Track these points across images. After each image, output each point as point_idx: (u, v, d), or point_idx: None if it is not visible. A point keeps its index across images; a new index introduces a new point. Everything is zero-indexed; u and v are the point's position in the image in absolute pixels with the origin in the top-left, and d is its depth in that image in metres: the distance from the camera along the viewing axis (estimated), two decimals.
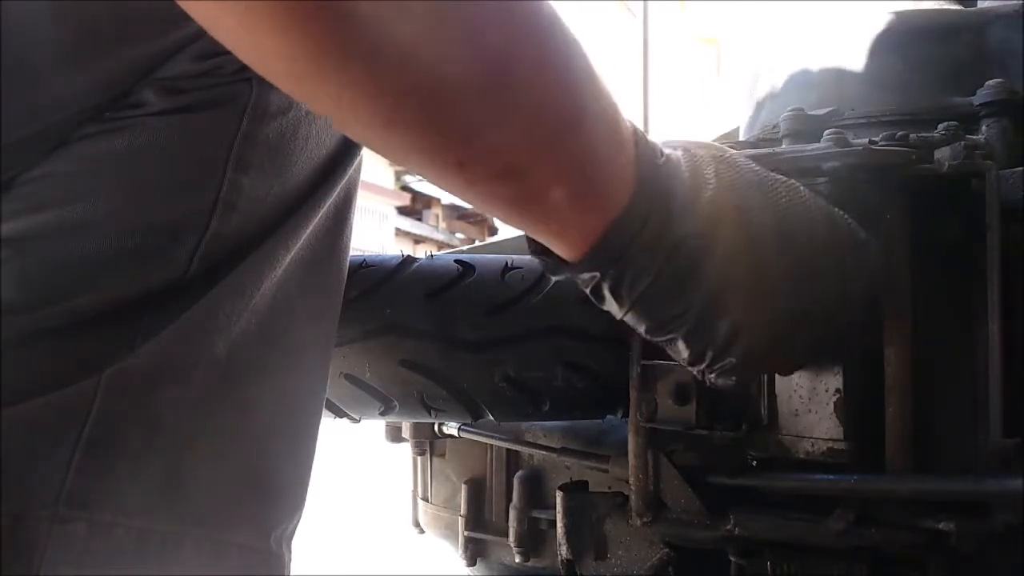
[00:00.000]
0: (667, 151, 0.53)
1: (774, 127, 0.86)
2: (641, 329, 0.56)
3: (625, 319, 0.55)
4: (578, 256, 0.52)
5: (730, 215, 0.53)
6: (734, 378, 0.58)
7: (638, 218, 0.50)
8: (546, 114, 0.45)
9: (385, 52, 0.39)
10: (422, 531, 1.17)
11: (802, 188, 0.59)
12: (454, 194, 0.49)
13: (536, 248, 0.55)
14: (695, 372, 0.58)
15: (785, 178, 0.58)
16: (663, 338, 0.56)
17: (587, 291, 0.54)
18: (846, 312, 0.60)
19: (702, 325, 0.54)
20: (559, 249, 0.53)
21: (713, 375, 0.58)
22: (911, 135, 0.68)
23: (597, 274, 0.52)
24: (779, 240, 0.55)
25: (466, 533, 1.05)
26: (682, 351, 0.56)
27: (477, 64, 0.42)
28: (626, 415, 0.75)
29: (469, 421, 0.91)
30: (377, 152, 0.47)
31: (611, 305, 0.54)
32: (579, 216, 0.50)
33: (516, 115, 0.44)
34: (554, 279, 0.56)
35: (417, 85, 0.41)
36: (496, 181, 0.47)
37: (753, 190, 0.55)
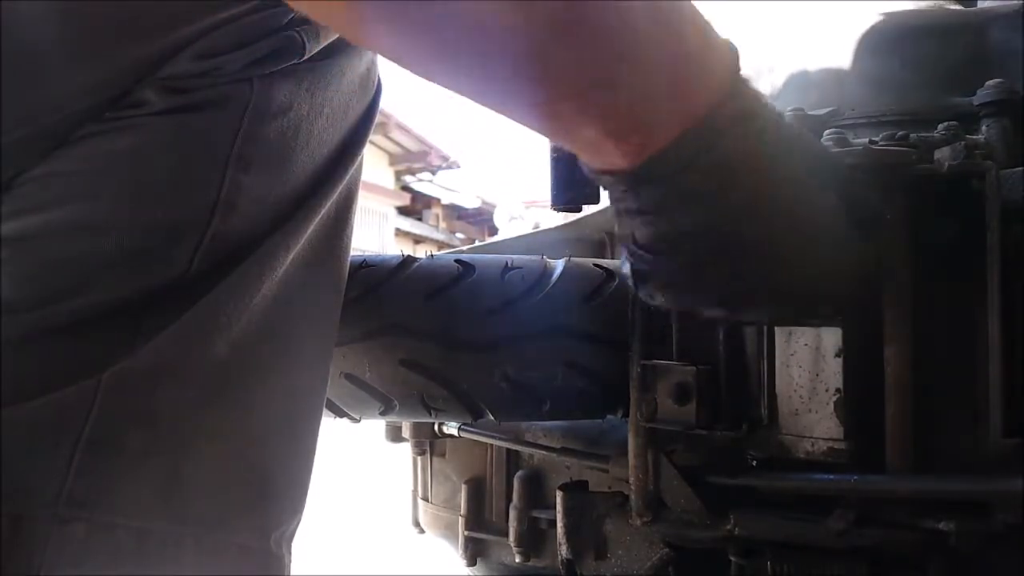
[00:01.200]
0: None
1: None
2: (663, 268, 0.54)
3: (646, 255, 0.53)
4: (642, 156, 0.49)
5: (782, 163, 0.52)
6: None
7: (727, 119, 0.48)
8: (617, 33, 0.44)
9: None
10: (422, 531, 1.17)
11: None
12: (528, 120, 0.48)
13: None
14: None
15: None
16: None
17: (621, 195, 0.52)
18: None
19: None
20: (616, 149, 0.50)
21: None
22: (911, 135, 0.68)
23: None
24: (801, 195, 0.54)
25: (466, 533, 1.05)
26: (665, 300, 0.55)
27: None
28: (626, 415, 0.75)
29: (469, 421, 0.91)
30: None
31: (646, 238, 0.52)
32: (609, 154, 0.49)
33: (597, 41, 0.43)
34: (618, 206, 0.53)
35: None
36: (529, 117, 0.47)
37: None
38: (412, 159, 16.56)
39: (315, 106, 0.59)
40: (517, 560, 0.97)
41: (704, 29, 0.49)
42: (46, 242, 0.52)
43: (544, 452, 0.93)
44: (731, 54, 0.50)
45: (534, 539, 0.96)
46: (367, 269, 0.81)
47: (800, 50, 0.96)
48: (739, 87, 0.50)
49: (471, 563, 1.06)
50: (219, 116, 0.54)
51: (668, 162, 0.48)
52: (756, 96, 0.51)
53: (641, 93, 0.46)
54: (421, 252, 0.90)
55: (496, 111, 0.47)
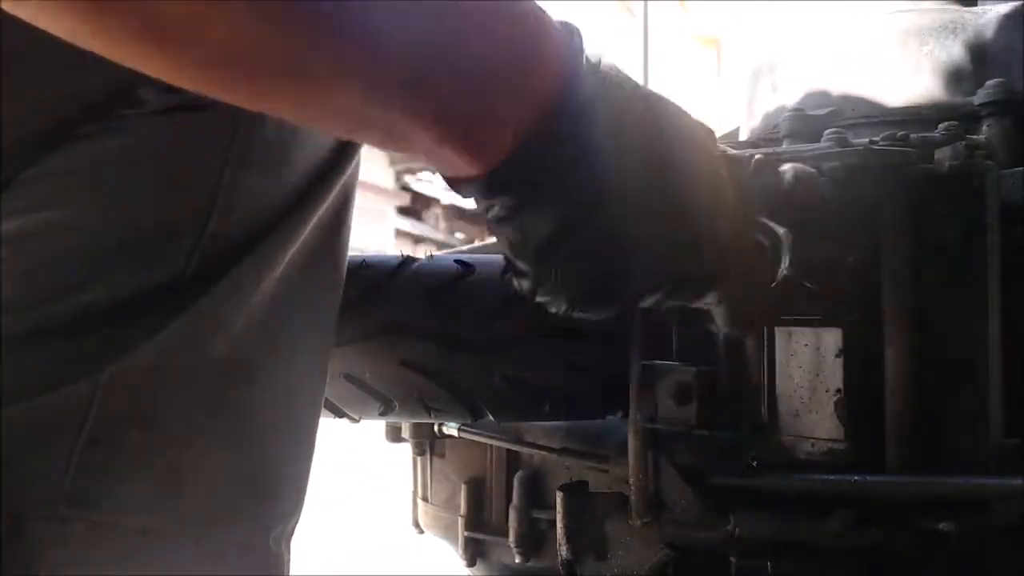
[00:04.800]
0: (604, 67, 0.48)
1: (774, 127, 0.86)
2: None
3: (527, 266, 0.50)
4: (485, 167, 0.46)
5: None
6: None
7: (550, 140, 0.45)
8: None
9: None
10: (422, 531, 1.17)
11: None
12: (341, 124, 0.45)
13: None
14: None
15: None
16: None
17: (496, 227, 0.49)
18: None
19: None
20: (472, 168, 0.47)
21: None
22: (911, 135, 0.68)
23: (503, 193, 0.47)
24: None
25: (466, 533, 1.05)
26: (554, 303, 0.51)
27: None
28: (626, 415, 0.75)
29: (469, 421, 0.91)
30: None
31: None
32: (451, 158, 0.45)
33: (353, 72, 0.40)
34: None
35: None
36: (355, 133, 0.44)
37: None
38: (412, 159, 16.53)
39: None
40: (517, 561, 0.96)
41: (534, 12, 0.45)
42: (45, 241, 0.52)
43: (544, 452, 0.93)
44: (568, 35, 0.47)
45: (534, 540, 0.96)
46: (367, 269, 0.81)
47: (800, 50, 0.96)
48: (579, 74, 0.46)
49: (471, 564, 1.06)
50: (216, 115, 0.53)
51: (515, 167, 0.45)
52: (604, 77, 0.47)
53: (468, 92, 0.43)
54: (421, 252, 0.90)
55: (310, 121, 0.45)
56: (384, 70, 0.40)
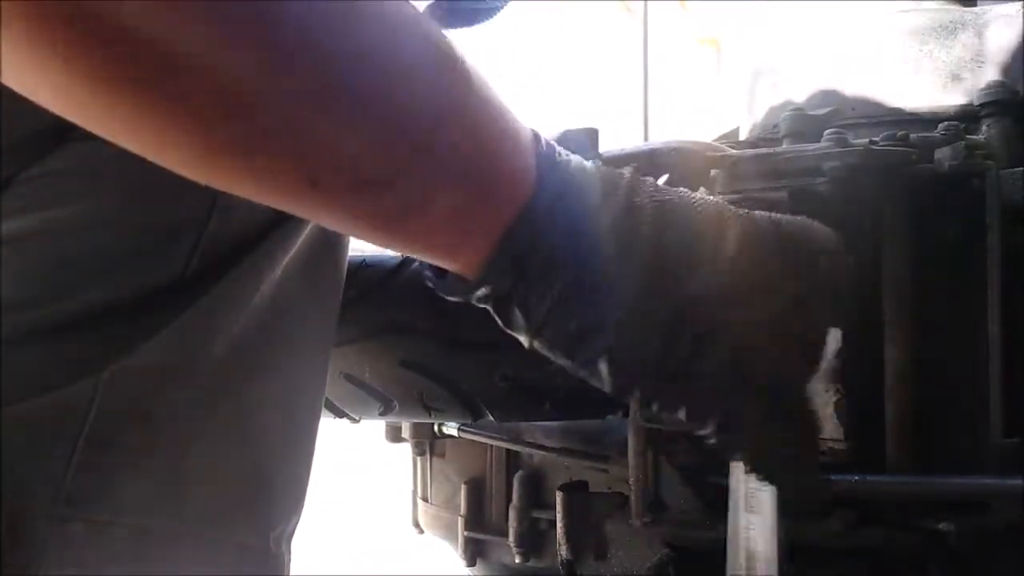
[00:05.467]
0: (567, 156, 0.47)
1: (774, 127, 0.86)
2: (558, 355, 0.49)
3: (536, 344, 0.49)
4: (473, 270, 0.46)
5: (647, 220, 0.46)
6: (685, 409, 0.48)
7: (541, 218, 0.44)
8: (396, 115, 0.40)
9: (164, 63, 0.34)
10: (422, 531, 1.17)
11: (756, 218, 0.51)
12: (315, 219, 0.44)
13: (427, 269, 0.49)
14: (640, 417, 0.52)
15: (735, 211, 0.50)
16: (583, 360, 0.48)
17: (494, 314, 0.49)
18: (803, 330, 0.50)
19: (627, 335, 0.46)
20: (453, 266, 0.47)
21: (656, 406, 0.49)
22: (911, 135, 0.68)
23: (488, 289, 0.46)
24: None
25: (466, 533, 1.05)
26: (604, 375, 0.48)
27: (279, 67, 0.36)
28: (626, 415, 0.75)
29: (469, 421, 0.91)
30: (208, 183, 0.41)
31: (520, 326, 0.48)
32: (466, 225, 0.44)
33: (355, 121, 0.39)
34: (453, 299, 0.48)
35: (219, 102, 0.36)
36: (355, 196, 0.41)
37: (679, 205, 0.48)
38: None
39: None
40: (517, 561, 0.96)
41: (500, 112, 0.44)
42: (45, 241, 0.52)
43: (544, 452, 0.93)
44: (526, 131, 0.46)
45: (534, 539, 0.96)
46: (367, 269, 0.81)
47: (800, 50, 0.96)
48: (547, 171, 0.45)
49: (471, 563, 1.06)
50: None
51: (498, 268, 0.45)
52: (567, 173, 0.46)
53: (439, 197, 0.42)
54: None
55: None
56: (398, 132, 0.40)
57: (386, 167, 0.40)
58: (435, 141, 0.41)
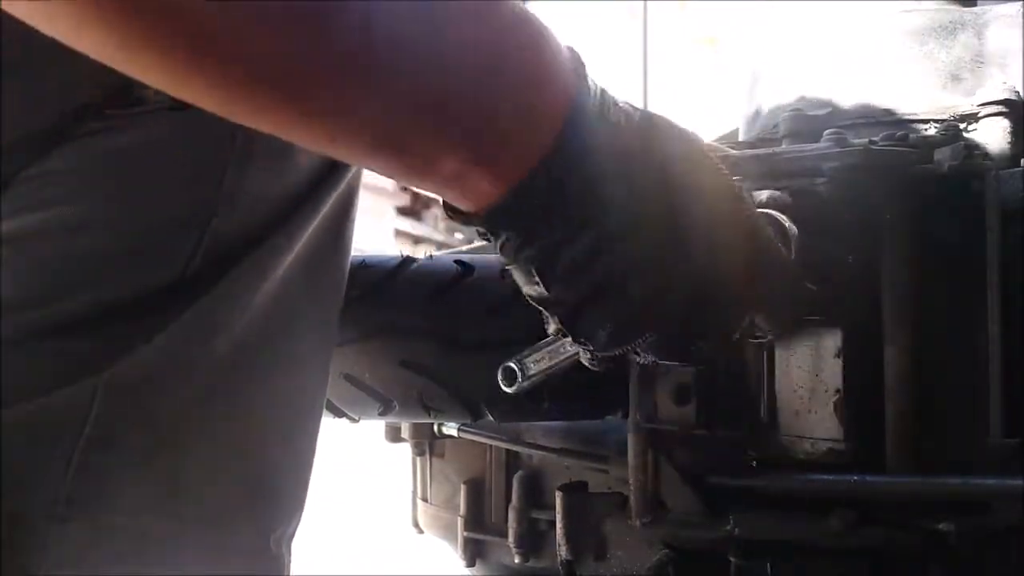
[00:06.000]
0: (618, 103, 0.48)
1: (774, 127, 0.86)
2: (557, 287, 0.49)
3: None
4: (482, 207, 0.46)
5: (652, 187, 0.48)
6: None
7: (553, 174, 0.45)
8: (413, 85, 0.41)
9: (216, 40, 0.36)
10: (421, 531, 1.17)
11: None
12: (364, 144, 0.44)
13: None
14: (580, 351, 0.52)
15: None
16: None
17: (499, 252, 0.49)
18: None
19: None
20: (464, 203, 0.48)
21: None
22: (911, 135, 0.68)
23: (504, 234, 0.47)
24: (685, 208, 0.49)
25: (465, 533, 1.05)
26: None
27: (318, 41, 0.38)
28: (626, 415, 0.75)
29: (469, 421, 0.91)
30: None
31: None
32: (476, 182, 0.45)
33: (377, 89, 0.40)
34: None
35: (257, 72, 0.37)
36: (374, 155, 0.43)
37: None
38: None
39: None
40: (516, 561, 0.96)
41: (541, 33, 0.45)
42: (46, 241, 0.52)
43: (544, 452, 0.93)
44: (573, 58, 0.47)
45: (534, 540, 0.96)
46: (367, 269, 0.81)
47: (800, 50, 0.96)
48: (585, 94, 0.46)
49: (470, 564, 1.06)
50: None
51: (535, 189, 0.45)
52: (606, 100, 0.47)
53: (490, 112, 0.43)
54: (421, 252, 0.90)
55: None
56: (414, 90, 0.41)
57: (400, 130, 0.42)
58: (452, 107, 0.42)
